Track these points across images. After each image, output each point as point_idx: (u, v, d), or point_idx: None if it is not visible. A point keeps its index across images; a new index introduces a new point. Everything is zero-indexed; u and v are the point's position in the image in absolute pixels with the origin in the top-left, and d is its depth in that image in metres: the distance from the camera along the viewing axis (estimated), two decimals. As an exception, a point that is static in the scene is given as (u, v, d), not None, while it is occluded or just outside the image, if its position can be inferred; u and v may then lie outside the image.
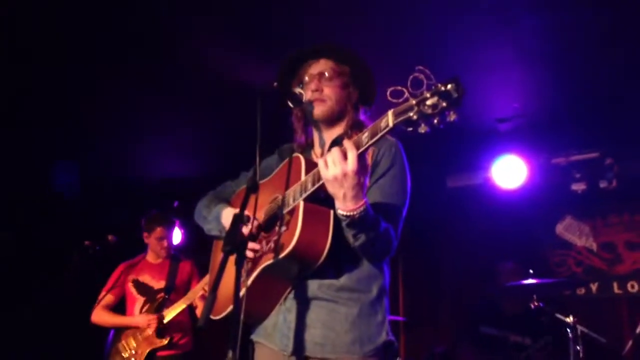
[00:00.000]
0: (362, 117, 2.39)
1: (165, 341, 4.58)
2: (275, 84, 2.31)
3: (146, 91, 5.04)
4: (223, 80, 4.72)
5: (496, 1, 3.86)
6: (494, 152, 5.89)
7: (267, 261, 2.08)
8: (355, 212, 1.94)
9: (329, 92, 2.34)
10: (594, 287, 6.14)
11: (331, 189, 1.95)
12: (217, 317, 2.26)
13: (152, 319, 4.55)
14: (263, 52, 4.30)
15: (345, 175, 1.89)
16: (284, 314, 2.18)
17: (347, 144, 1.92)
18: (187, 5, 3.91)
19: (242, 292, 2.05)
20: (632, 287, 5.98)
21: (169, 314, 4.61)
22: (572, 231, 6.38)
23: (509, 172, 5.87)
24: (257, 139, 2.10)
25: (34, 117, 5.38)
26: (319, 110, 2.34)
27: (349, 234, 2.03)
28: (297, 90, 2.34)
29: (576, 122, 5.49)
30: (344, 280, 2.14)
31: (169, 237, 4.98)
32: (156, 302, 4.73)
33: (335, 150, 1.92)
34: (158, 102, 5.25)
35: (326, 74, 2.36)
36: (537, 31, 4.17)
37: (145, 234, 5.00)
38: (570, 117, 5.43)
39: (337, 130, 2.38)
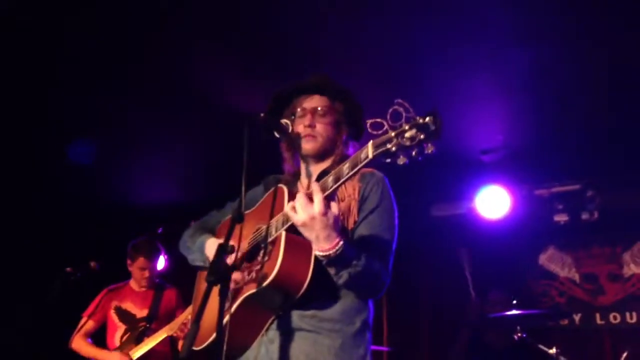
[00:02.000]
0: (350, 151, 2.40)
1: None
2: (262, 114, 2.32)
3: (136, 115, 5.04)
4: (213, 106, 4.73)
5: (480, 34, 3.94)
6: (477, 182, 5.94)
7: (249, 291, 2.08)
8: (330, 252, 1.95)
9: (321, 129, 2.37)
10: (577, 318, 6.16)
11: (304, 233, 1.98)
12: (199, 348, 2.24)
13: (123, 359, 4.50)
14: (253, 79, 4.34)
15: (313, 218, 1.92)
16: (265, 345, 2.16)
17: (314, 187, 1.96)
18: (181, 30, 3.94)
19: (224, 322, 2.04)
20: (615, 318, 6.01)
21: (147, 345, 4.54)
22: (555, 262, 6.43)
23: (493, 202, 5.92)
24: (243, 168, 2.11)
25: (24, 142, 5.36)
26: (308, 146, 2.36)
27: (331, 272, 2.04)
28: (284, 121, 2.36)
29: (558, 154, 5.57)
30: (327, 311, 2.14)
31: (151, 268, 4.92)
32: (137, 331, 4.67)
33: (300, 196, 1.95)
34: (147, 126, 5.25)
35: (319, 109, 2.39)
36: (521, 64, 4.24)
37: (128, 261, 4.95)
38: (552, 149, 5.50)
39: (325, 164, 2.40)
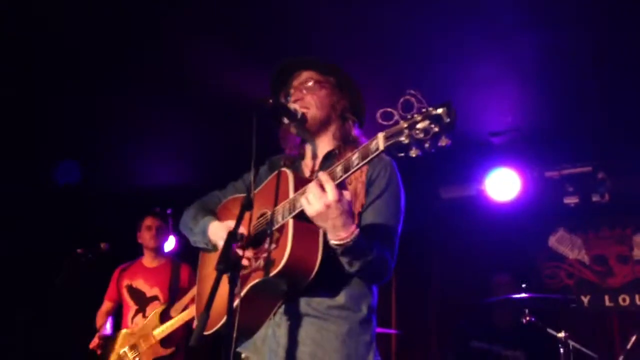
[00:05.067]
0: (354, 129, 2.39)
1: (169, 350, 4.51)
2: (270, 100, 2.29)
3: (144, 99, 5.04)
4: (221, 90, 4.72)
5: (490, 17, 3.89)
6: (487, 164, 5.92)
7: (257, 279, 2.08)
8: (347, 240, 1.93)
9: (310, 99, 2.36)
10: (585, 300, 6.17)
11: (318, 223, 1.95)
12: (208, 332, 2.24)
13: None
14: (261, 64, 4.30)
15: (328, 207, 1.88)
16: (272, 328, 2.17)
17: (322, 176, 1.92)
18: (188, 16, 3.92)
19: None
20: (624, 300, 6.01)
21: (171, 326, 4.50)
22: (564, 244, 6.41)
23: (503, 184, 5.89)
24: (252, 155, 2.10)
25: (32, 127, 5.37)
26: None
27: (343, 261, 2.02)
28: (293, 106, 2.34)
29: (569, 136, 5.53)
30: (334, 298, 2.15)
31: (158, 227, 4.92)
32: (148, 311, 4.66)
33: (312, 186, 1.92)
34: (156, 110, 5.25)
35: (308, 83, 2.39)
36: (530, 46, 4.20)
37: (138, 233, 4.97)
38: (563, 131, 5.46)
39: (325, 139, 2.39)
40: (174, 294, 4.74)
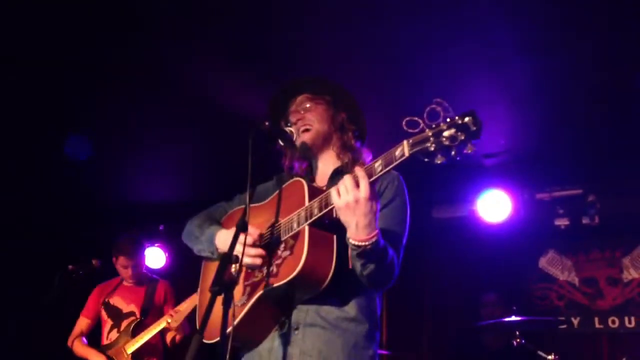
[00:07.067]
0: (356, 141, 2.43)
1: None
2: (266, 122, 2.32)
3: (138, 114, 5.04)
4: (214, 104, 4.73)
5: (485, 42, 3.95)
6: (479, 186, 5.95)
7: (270, 285, 2.08)
8: (367, 243, 1.93)
9: (309, 116, 2.41)
10: (575, 321, 6.19)
11: (343, 217, 1.94)
12: (210, 342, 2.21)
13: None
14: (257, 78, 4.34)
15: (357, 202, 1.89)
16: (280, 338, 2.16)
17: (359, 171, 1.93)
18: (180, 29, 3.94)
19: (239, 317, 2.08)
20: (614, 322, 6.03)
21: (142, 338, 4.56)
22: (554, 265, 6.45)
23: (494, 206, 5.92)
24: (248, 176, 2.12)
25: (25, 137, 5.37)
26: (306, 137, 2.39)
27: (357, 262, 2.02)
28: (289, 129, 2.38)
29: (560, 159, 5.59)
30: (343, 308, 2.15)
31: (134, 265, 4.89)
32: (123, 326, 4.66)
33: (348, 177, 1.93)
34: (148, 124, 5.25)
35: (305, 104, 2.44)
36: (524, 71, 4.26)
37: (113, 259, 4.96)
38: (554, 154, 5.52)
39: (328, 155, 2.43)
40: (147, 310, 4.76)
